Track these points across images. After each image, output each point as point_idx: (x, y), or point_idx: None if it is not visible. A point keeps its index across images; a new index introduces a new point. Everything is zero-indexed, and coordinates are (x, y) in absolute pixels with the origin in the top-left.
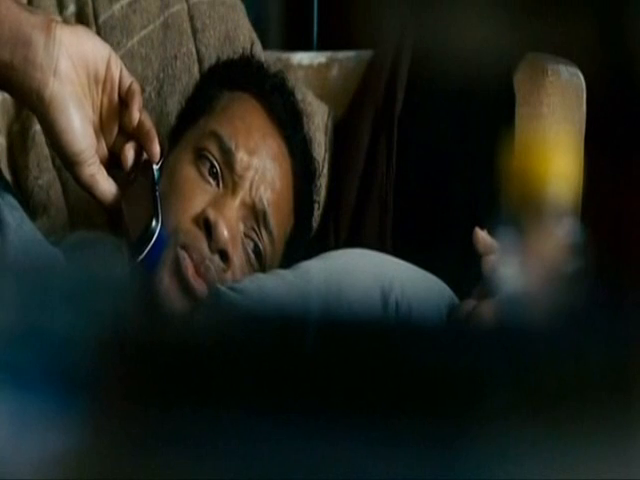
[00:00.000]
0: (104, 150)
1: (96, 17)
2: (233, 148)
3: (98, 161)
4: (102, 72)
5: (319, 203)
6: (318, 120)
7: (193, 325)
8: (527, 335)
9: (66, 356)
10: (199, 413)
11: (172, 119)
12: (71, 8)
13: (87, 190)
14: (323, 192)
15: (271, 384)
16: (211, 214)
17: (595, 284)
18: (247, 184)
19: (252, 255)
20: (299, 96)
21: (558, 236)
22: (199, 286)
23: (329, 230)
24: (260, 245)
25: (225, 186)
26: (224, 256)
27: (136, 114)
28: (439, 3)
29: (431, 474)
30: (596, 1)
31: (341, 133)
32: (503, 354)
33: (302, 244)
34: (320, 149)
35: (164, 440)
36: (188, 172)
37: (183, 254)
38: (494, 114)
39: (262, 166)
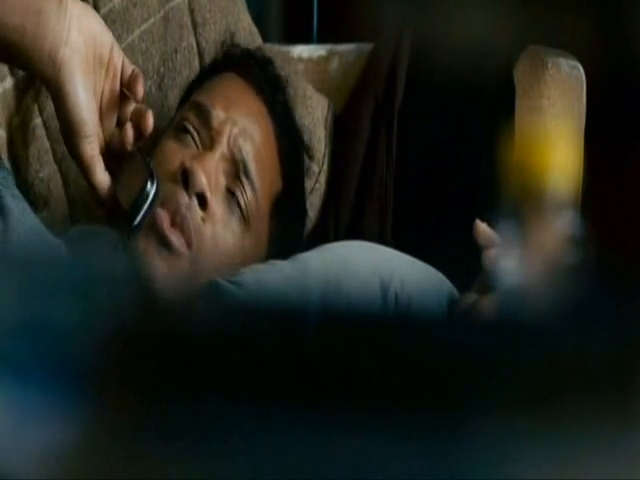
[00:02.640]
0: (101, 140)
1: (96, 10)
2: (210, 107)
3: (98, 144)
4: (106, 57)
5: (319, 185)
6: (318, 113)
7: (192, 317)
8: (527, 328)
9: (66, 347)
10: (198, 405)
11: (173, 113)
12: None
13: (85, 171)
14: (323, 186)
15: (270, 376)
16: (188, 163)
17: (595, 276)
18: (224, 138)
19: (236, 209)
20: (282, 71)
21: (558, 228)
22: (175, 238)
23: (329, 223)
24: (243, 198)
25: (204, 146)
26: (202, 201)
27: (140, 89)
28: None
29: (429, 467)
30: None
31: (341, 126)
32: (503, 347)
33: (295, 217)
34: (320, 144)
35: (163, 432)
36: (169, 145)
37: (159, 210)
38: (494, 107)
39: (240, 120)
